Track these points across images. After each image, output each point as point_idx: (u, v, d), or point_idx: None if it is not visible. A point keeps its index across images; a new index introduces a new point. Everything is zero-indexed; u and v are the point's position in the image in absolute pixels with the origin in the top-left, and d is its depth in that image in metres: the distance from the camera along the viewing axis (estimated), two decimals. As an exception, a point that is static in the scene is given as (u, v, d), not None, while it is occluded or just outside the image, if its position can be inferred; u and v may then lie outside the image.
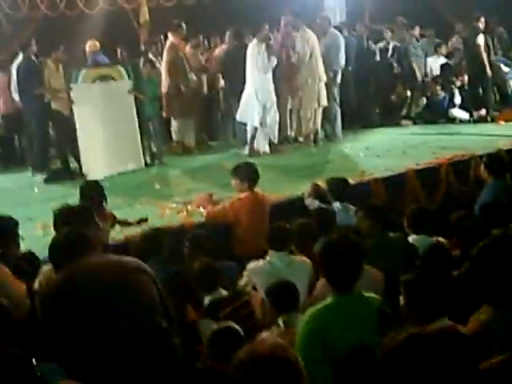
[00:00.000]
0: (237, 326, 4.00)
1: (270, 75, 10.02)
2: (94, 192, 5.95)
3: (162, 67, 10.64)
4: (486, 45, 12.01)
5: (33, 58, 9.70)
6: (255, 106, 9.86)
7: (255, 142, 10.13)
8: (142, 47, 11.88)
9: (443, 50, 13.56)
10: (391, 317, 3.28)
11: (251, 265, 5.16)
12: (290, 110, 10.78)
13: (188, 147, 10.89)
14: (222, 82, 11.46)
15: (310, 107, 10.45)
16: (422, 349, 2.05)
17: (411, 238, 5.44)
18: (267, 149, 10.18)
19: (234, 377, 2.05)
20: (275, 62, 10.07)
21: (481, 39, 11.85)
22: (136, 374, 1.78)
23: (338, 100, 10.94)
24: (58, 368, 2.02)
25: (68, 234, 3.69)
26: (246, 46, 10.25)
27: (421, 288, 3.54)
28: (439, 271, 4.23)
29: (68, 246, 3.51)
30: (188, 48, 11.23)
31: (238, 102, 10.12)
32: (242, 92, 10.06)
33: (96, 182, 6.28)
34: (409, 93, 12.82)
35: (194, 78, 10.92)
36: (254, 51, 9.89)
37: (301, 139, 10.79)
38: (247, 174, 6.38)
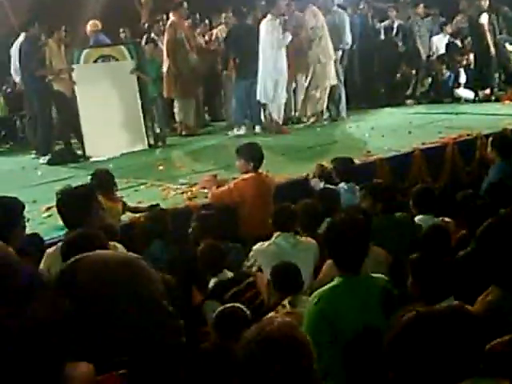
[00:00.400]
0: (242, 307, 3.98)
1: (283, 52, 9.98)
2: (104, 179, 5.94)
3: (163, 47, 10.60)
4: (490, 24, 11.91)
5: (34, 38, 9.62)
6: (269, 82, 9.84)
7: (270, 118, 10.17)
8: (144, 26, 11.82)
9: (448, 28, 13.46)
10: (398, 297, 3.26)
11: (257, 246, 5.14)
12: (294, 90, 10.75)
13: (188, 128, 10.85)
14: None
15: (320, 86, 10.41)
16: (431, 327, 2.03)
17: (417, 218, 5.42)
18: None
19: (243, 356, 2.03)
20: (290, 38, 10.02)
21: (484, 18, 11.75)
22: (142, 357, 1.77)
23: (342, 80, 10.89)
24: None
25: (81, 233, 3.72)
26: (247, 24, 10.20)
27: (426, 268, 3.52)
28: (440, 252, 4.21)
29: (80, 246, 3.51)
30: (188, 27, 11.15)
31: (240, 81, 10.05)
32: (243, 71, 10.00)
33: (106, 171, 6.24)
34: (414, 72, 12.75)
35: (195, 57, 10.81)
36: (268, 27, 9.83)
37: (305, 120, 10.76)
38: (252, 154, 6.33)
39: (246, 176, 6.23)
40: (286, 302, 3.98)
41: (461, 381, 2.06)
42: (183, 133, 10.86)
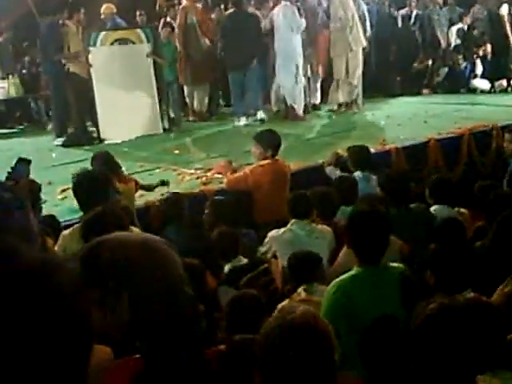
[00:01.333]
0: (256, 293, 3.97)
1: (300, 37, 9.93)
2: (109, 160, 5.89)
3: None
4: (510, 15, 11.81)
5: (54, 23, 9.64)
6: (292, 66, 9.83)
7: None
8: (161, 10, 11.79)
9: (467, 19, 13.35)
10: (417, 287, 3.24)
11: (272, 232, 5.13)
12: (308, 78, 10.71)
13: (199, 114, 10.81)
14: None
15: (354, 74, 10.38)
16: (453, 319, 2.02)
17: (432, 208, 5.39)
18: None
19: (264, 346, 2.02)
20: (304, 24, 9.97)
21: (505, 9, 11.65)
22: (161, 342, 1.77)
23: (367, 68, 10.92)
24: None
25: (100, 212, 3.73)
26: (245, 12, 10.10)
27: (443, 259, 3.50)
28: (454, 243, 4.18)
29: (99, 224, 3.52)
30: (201, 11, 11.06)
31: (232, 73, 10.01)
32: (233, 63, 9.94)
33: (107, 152, 6.18)
34: (430, 62, 12.67)
35: (207, 43, 10.72)
36: (286, 11, 9.77)
37: (335, 107, 10.71)
38: (270, 141, 6.31)
39: (262, 162, 6.20)
40: (300, 289, 3.96)
41: (482, 372, 2.06)
42: (190, 118, 10.83)
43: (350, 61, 10.33)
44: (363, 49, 10.64)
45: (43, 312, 0.95)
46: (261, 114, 10.10)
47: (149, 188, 6.25)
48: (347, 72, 10.37)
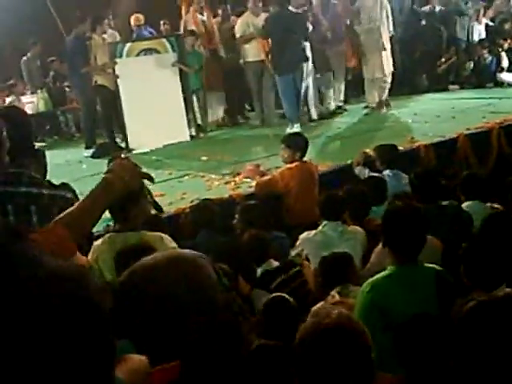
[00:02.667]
0: (290, 297, 3.96)
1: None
2: None
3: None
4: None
5: (80, 35, 9.76)
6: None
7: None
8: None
9: (490, 12, 13.22)
10: (452, 285, 3.21)
11: (304, 235, 5.13)
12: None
13: (217, 121, 10.79)
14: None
15: (380, 75, 10.36)
16: (493, 316, 2.00)
17: (464, 205, 5.33)
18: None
19: (301, 350, 2.02)
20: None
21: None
22: (195, 354, 1.78)
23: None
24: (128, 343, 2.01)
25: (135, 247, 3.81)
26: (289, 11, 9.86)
27: (479, 257, 3.46)
28: (500, 239, 4.12)
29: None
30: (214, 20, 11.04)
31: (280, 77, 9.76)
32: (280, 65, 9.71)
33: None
34: (456, 57, 12.56)
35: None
36: None
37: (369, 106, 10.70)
38: (298, 144, 6.32)
39: (290, 165, 6.21)
40: (334, 291, 3.94)
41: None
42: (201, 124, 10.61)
43: (385, 60, 10.29)
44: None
45: (66, 320, 0.96)
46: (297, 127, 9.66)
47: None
48: (383, 71, 10.33)
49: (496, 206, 5.40)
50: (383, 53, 10.30)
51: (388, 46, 10.38)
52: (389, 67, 10.46)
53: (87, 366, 0.97)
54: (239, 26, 10.38)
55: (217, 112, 11.05)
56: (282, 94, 9.74)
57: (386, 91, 10.59)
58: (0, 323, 0.91)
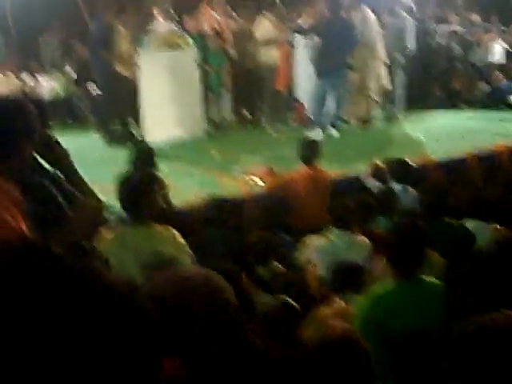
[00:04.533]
0: (291, 301, 4.03)
1: None
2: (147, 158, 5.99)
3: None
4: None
5: (102, 21, 9.82)
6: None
7: None
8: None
9: (508, 37, 13.29)
10: (454, 303, 3.29)
11: (310, 239, 5.20)
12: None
13: (218, 123, 10.79)
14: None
15: (365, 91, 10.41)
16: (492, 338, 2.06)
17: (469, 224, 5.41)
18: None
19: (304, 361, 2.09)
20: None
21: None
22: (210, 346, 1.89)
23: (400, 82, 10.89)
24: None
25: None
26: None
27: (482, 279, 3.52)
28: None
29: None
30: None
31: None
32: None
33: (149, 149, 6.29)
34: (470, 77, 12.65)
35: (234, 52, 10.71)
36: None
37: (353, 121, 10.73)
38: (313, 149, 6.42)
39: (302, 170, 6.30)
40: (339, 298, 4.03)
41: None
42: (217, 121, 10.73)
43: (367, 75, 10.32)
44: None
45: (122, 327, 1.06)
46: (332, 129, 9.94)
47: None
48: (365, 86, 10.37)
49: (499, 227, 5.49)
50: (366, 69, 10.28)
51: (377, 63, 10.33)
52: (374, 83, 10.45)
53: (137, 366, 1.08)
54: (262, 28, 10.50)
55: (227, 111, 11.10)
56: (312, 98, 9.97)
57: (375, 108, 10.66)
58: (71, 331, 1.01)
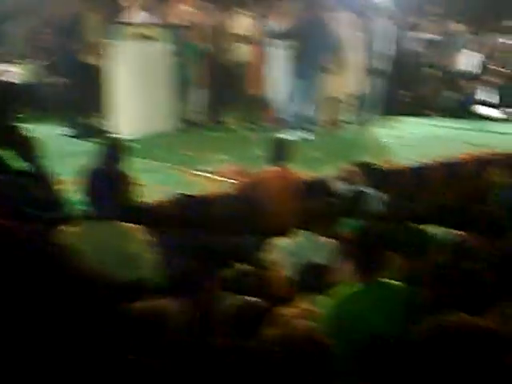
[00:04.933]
0: (257, 300, 4.02)
1: None
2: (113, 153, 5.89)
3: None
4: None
5: (75, 12, 9.65)
6: None
7: None
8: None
9: (484, 48, 13.44)
10: (419, 304, 3.31)
11: (276, 240, 5.19)
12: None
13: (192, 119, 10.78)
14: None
15: (345, 92, 10.47)
16: (449, 340, 2.08)
17: (432, 229, 5.46)
18: None
19: (265, 358, 2.09)
20: None
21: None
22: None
23: (375, 87, 10.97)
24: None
25: None
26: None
27: (441, 279, 3.56)
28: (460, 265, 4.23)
29: None
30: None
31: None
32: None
33: (117, 143, 6.19)
34: (440, 85, 12.79)
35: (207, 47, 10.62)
36: None
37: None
38: (283, 150, 6.42)
39: (271, 171, 6.29)
40: (303, 298, 4.03)
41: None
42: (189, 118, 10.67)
43: (342, 79, 10.32)
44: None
45: None
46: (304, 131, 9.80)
47: None
48: (339, 90, 10.41)
49: (461, 233, 5.55)
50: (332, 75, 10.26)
51: (342, 69, 10.21)
52: (343, 89, 10.49)
53: None
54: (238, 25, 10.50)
55: (200, 108, 11.05)
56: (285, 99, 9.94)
57: (342, 112, 10.72)
58: None
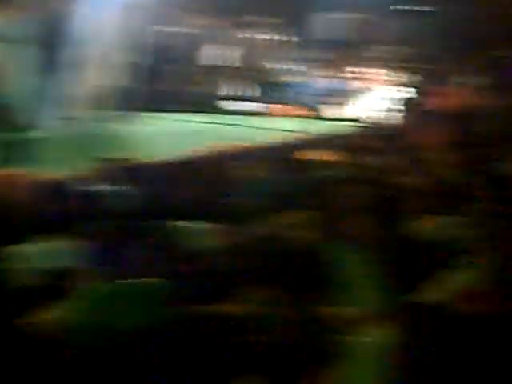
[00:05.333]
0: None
1: None
2: None
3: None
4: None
5: None
6: None
7: None
8: None
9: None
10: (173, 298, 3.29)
11: (16, 249, 4.86)
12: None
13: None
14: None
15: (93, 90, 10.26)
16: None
17: (181, 223, 5.47)
18: None
19: None
20: None
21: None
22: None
23: (125, 83, 10.88)
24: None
25: None
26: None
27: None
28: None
29: None
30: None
31: None
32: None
33: None
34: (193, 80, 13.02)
35: None
36: None
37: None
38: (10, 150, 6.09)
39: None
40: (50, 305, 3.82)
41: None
42: None
43: (90, 76, 10.24)
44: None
45: None
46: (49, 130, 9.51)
47: None
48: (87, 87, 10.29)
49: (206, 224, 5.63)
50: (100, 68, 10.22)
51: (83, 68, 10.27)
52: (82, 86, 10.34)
53: None
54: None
55: None
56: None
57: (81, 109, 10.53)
58: None
